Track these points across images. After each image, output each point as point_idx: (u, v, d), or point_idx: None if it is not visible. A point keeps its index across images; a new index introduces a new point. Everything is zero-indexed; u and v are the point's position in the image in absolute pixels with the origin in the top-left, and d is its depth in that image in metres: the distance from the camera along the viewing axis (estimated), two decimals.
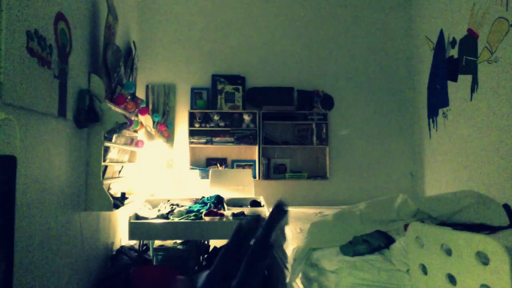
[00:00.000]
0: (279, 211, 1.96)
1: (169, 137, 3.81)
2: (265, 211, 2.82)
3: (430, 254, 1.40)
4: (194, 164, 3.89)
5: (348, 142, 4.08)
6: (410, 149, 4.11)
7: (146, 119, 3.60)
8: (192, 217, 2.63)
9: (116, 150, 2.77)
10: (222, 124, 3.85)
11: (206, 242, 3.24)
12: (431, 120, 3.77)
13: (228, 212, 2.75)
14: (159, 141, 3.70)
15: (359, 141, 4.09)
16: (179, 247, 2.93)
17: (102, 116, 2.29)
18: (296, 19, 4.13)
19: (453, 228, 1.45)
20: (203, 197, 3.16)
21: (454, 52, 3.36)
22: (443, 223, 1.89)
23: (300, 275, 2.13)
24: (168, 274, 2.54)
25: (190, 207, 2.91)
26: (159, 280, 2.48)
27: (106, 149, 2.54)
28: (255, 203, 3.09)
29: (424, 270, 1.44)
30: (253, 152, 3.97)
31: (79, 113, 2.18)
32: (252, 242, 1.89)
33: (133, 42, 3.48)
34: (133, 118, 2.98)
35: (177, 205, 2.98)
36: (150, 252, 2.95)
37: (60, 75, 1.94)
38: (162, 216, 2.70)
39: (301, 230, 2.67)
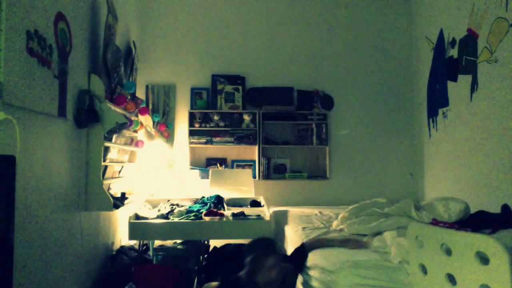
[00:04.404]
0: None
1: (169, 137, 3.81)
2: (265, 211, 2.82)
3: (430, 254, 1.40)
4: (194, 164, 3.89)
5: (348, 142, 4.08)
6: (410, 149, 4.11)
7: (146, 119, 3.60)
8: (192, 217, 2.63)
9: (116, 150, 2.77)
10: (222, 124, 3.85)
11: (206, 242, 3.24)
12: (431, 120, 3.77)
13: (228, 212, 2.75)
14: (159, 141, 3.70)
15: (359, 141, 4.09)
16: (179, 247, 2.93)
17: (102, 116, 2.29)
18: (296, 19, 4.13)
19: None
20: (203, 197, 3.16)
21: (454, 52, 3.36)
22: None
23: (300, 277, 2.15)
24: (169, 273, 2.54)
25: (190, 207, 2.91)
26: (160, 279, 2.48)
27: (106, 149, 2.54)
28: (255, 203, 3.09)
29: (423, 269, 1.45)
30: (253, 152, 3.97)
31: (79, 113, 2.18)
32: None
33: (133, 42, 3.48)
34: (133, 118, 2.98)
35: (177, 205, 2.98)
36: (150, 252, 2.95)
37: (60, 75, 1.94)
38: (162, 216, 2.70)
39: (304, 228, 2.68)
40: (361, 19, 4.18)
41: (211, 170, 3.61)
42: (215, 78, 3.97)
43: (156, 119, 3.73)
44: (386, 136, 4.12)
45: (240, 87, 3.94)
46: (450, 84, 3.42)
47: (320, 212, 3.29)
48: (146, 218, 2.66)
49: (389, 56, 4.17)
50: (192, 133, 3.83)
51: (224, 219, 2.64)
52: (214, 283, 2.06)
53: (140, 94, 3.84)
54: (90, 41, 2.44)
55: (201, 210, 2.77)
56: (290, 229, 2.78)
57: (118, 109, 2.67)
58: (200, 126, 3.83)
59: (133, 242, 3.08)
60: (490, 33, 2.87)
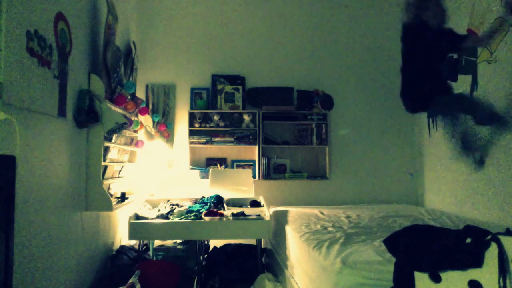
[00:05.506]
0: None
1: (169, 137, 3.81)
2: (265, 211, 2.82)
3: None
4: (194, 164, 3.89)
5: (348, 142, 4.08)
6: (410, 149, 4.11)
7: (146, 119, 3.60)
8: (192, 217, 2.63)
9: (116, 150, 2.77)
10: (222, 124, 3.85)
11: (206, 242, 3.24)
12: (431, 120, 3.76)
13: (228, 212, 2.75)
14: (159, 141, 3.70)
15: (359, 141, 4.09)
16: (179, 247, 2.93)
17: (102, 116, 2.29)
18: (296, 19, 4.13)
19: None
20: (203, 197, 3.16)
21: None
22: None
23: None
24: (171, 269, 2.53)
25: (190, 207, 2.92)
26: (163, 275, 2.47)
27: (106, 149, 2.54)
28: (255, 203, 3.09)
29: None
30: (253, 152, 3.97)
31: (79, 113, 2.18)
32: None
33: (133, 42, 3.48)
34: (133, 118, 2.99)
35: (177, 205, 2.98)
36: (150, 252, 2.95)
37: (60, 75, 1.95)
38: (162, 216, 2.70)
39: (305, 227, 2.67)
40: (361, 19, 4.18)
41: (211, 170, 3.61)
42: (215, 78, 3.97)
43: (156, 119, 3.73)
44: (386, 136, 4.12)
45: (240, 87, 3.94)
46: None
47: (320, 212, 3.29)
48: (146, 218, 2.66)
49: (389, 56, 4.17)
50: (192, 133, 3.83)
51: (224, 219, 2.64)
52: None
53: (140, 94, 3.84)
54: (90, 41, 2.44)
55: (201, 210, 2.77)
56: (290, 229, 2.77)
57: (118, 109, 2.67)
58: (200, 126, 3.83)
59: (133, 242, 3.09)
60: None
